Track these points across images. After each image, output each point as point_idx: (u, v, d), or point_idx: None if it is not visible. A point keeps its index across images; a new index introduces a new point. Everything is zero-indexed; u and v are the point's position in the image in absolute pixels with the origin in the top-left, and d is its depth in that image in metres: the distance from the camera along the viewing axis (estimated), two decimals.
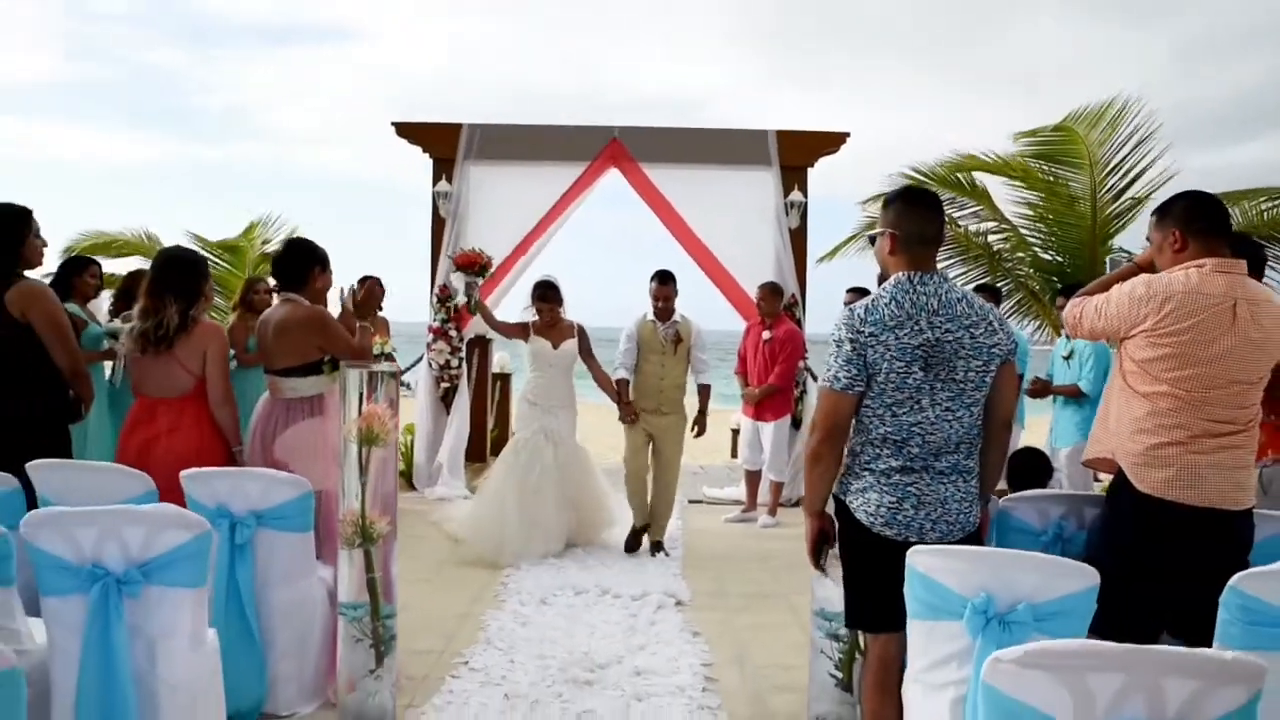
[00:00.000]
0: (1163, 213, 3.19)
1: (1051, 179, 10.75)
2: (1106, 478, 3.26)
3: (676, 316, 6.59)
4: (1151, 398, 3.00)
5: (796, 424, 8.13)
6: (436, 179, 8.87)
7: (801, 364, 8.02)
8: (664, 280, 6.57)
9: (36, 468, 3.61)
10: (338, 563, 3.74)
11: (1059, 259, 10.94)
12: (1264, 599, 2.45)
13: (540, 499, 6.31)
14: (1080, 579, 2.44)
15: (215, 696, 3.08)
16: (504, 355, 10.89)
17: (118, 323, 5.96)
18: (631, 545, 6.65)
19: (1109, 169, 10.49)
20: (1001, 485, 3.65)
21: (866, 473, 2.95)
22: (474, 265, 7.51)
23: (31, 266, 4.34)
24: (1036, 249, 11.08)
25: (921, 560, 2.59)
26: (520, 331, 6.54)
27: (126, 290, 6.33)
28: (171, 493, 3.51)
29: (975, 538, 2.96)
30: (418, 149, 9.01)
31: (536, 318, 6.49)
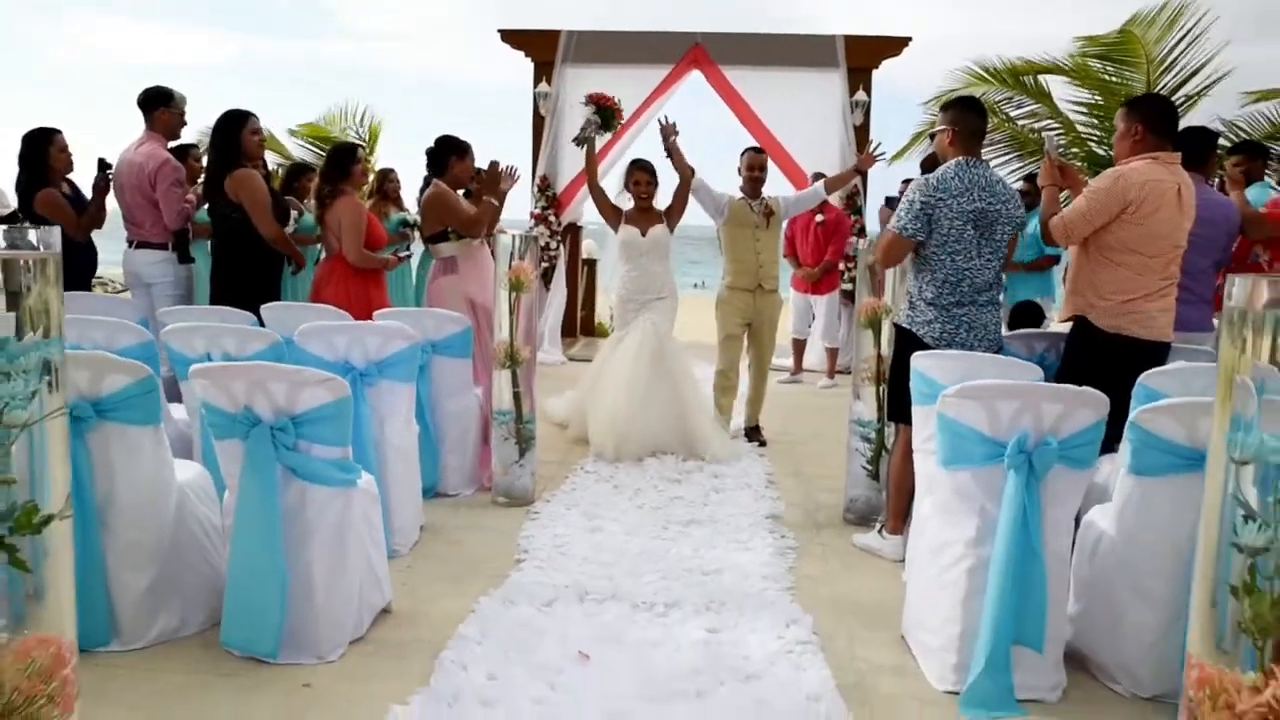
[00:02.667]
0: (1133, 108, 4.16)
1: (1108, 78, 11.40)
2: None
3: (765, 194, 6.38)
4: (1122, 265, 4.02)
5: (848, 297, 9.18)
6: (537, 81, 9.94)
7: (852, 242, 9.00)
8: (757, 153, 6.53)
9: (269, 308, 4.86)
10: (491, 381, 4.99)
11: (1111, 153, 11.64)
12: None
13: (640, 394, 5.85)
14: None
15: (415, 464, 4.34)
16: (590, 243, 12.03)
17: None
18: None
19: (1164, 67, 11.09)
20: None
21: (930, 309, 4.16)
22: (606, 104, 6.96)
23: (252, 159, 5.53)
24: (1091, 144, 11.77)
25: (928, 363, 3.70)
26: (612, 213, 6.27)
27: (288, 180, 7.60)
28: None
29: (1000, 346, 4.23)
30: (520, 53, 10.05)
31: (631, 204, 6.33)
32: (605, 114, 6.78)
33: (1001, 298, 4.42)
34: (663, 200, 6.32)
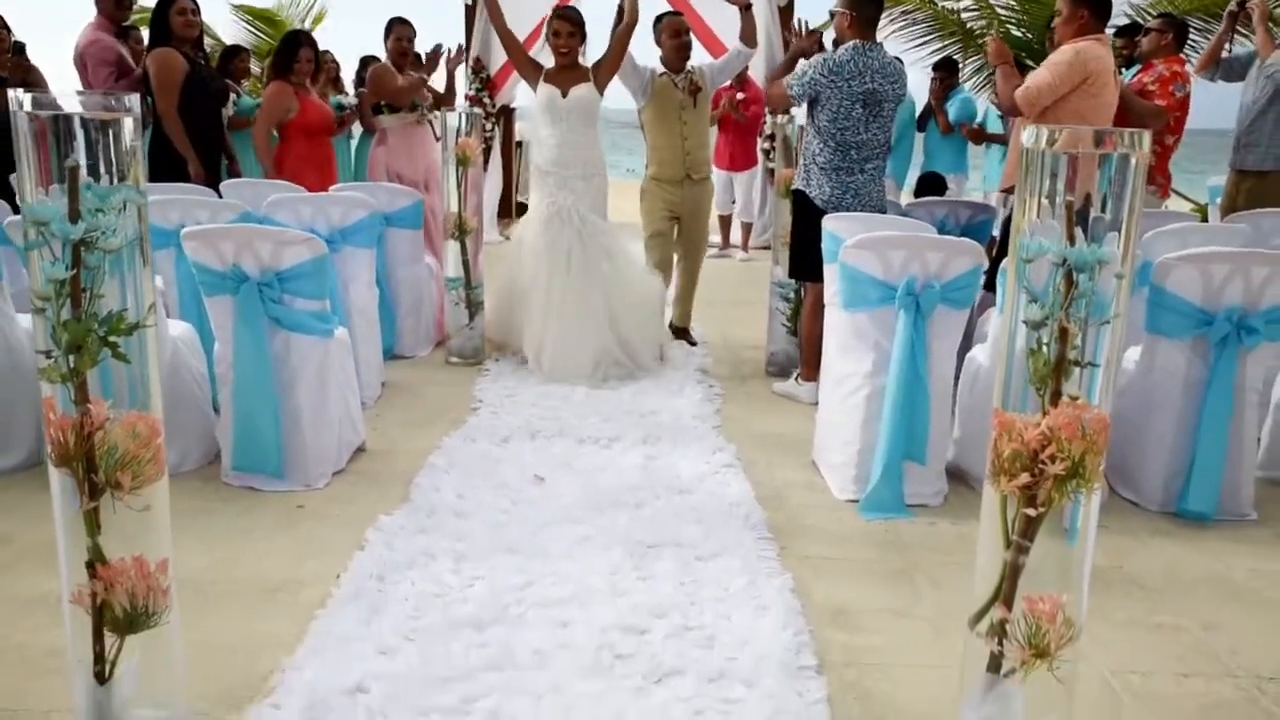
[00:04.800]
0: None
1: None
2: None
3: (690, 65, 5.58)
4: None
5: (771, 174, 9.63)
6: None
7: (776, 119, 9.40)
8: (676, 16, 5.77)
9: (230, 184, 5.16)
10: (441, 250, 5.38)
11: (1028, 35, 12.10)
12: None
13: (565, 312, 5.05)
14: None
15: (376, 325, 4.75)
16: (524, 125, 12.22)
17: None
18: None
19: None
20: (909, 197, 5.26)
21: (822, 174, 4.61)
22: None
23: (182, 40, 5.70)
24: (1010, 26, 12.20)
25: (835, 224, 4.17)
26: (530, 69, 5.28)
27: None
28: None
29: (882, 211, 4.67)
30: None
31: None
32: None
33: (889, 167, 4.92)
34: (593, 57, 5.36)
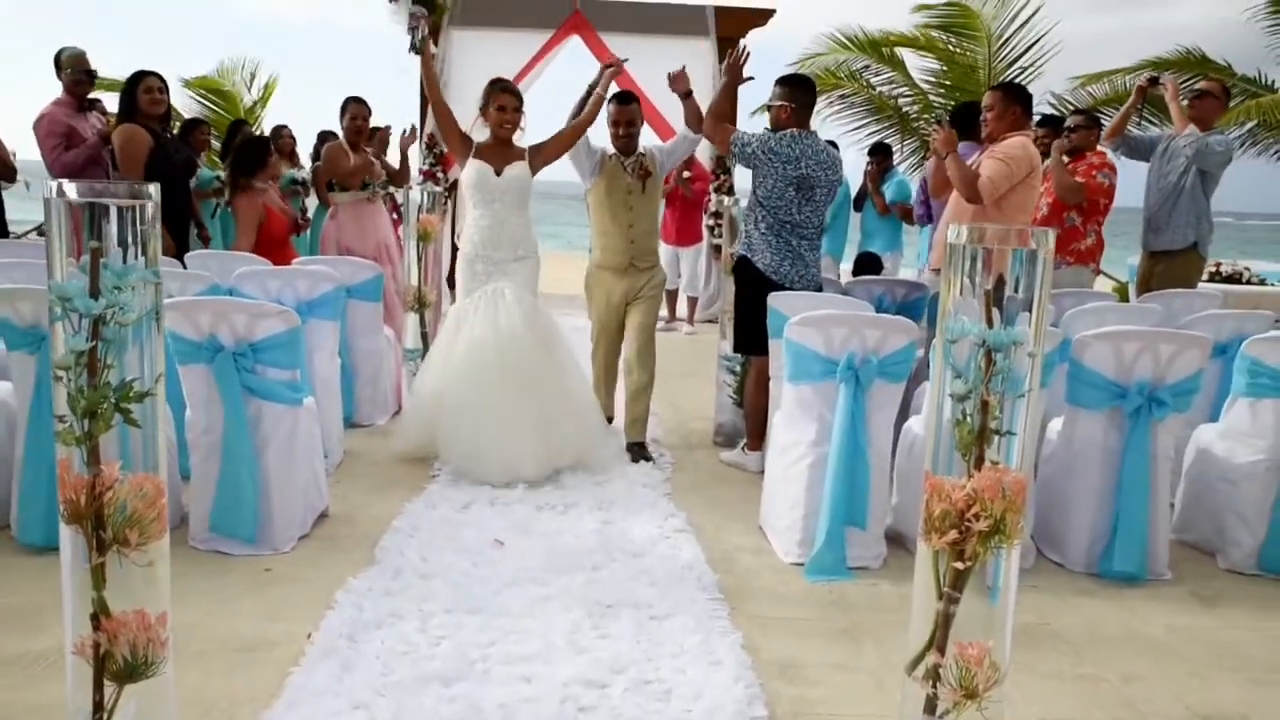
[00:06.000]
0: (1009, 92, 5.09)
1: (952, 49, 12.47)
2: None
3: (641, 148, 5.30)
4: (1013, 221, 4.84)
5: (717, 251, 9.96)
6: None
7: (721, 200, 9.75)
8: (624, 101, 5.30)
9: (194, 256, 5.30)
10: (398, 323, 5.55)
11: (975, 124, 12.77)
12: None
13: (494, 402, 4.62)
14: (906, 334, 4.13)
15: (338, 393, 4.89)
16: None
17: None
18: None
19: (1002, 41, 12.20)
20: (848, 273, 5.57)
21: (762, 238, 4.86)
22: None
23: (149, 116, 5.89)
24: (941, 111, 12.83)
25: (780, 301, 4.44)
26: (459, 142, 4.96)
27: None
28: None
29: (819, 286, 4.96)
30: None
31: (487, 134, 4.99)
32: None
33: (823, 245, 5.22)
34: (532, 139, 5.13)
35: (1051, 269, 1.98)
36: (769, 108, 4.97)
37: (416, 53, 5.17)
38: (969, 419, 1.99)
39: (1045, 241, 1.93)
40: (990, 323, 1.95)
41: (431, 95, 5.20)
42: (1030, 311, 1.96)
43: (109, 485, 1.93)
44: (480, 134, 4.98)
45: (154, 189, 1.94)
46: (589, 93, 5.21)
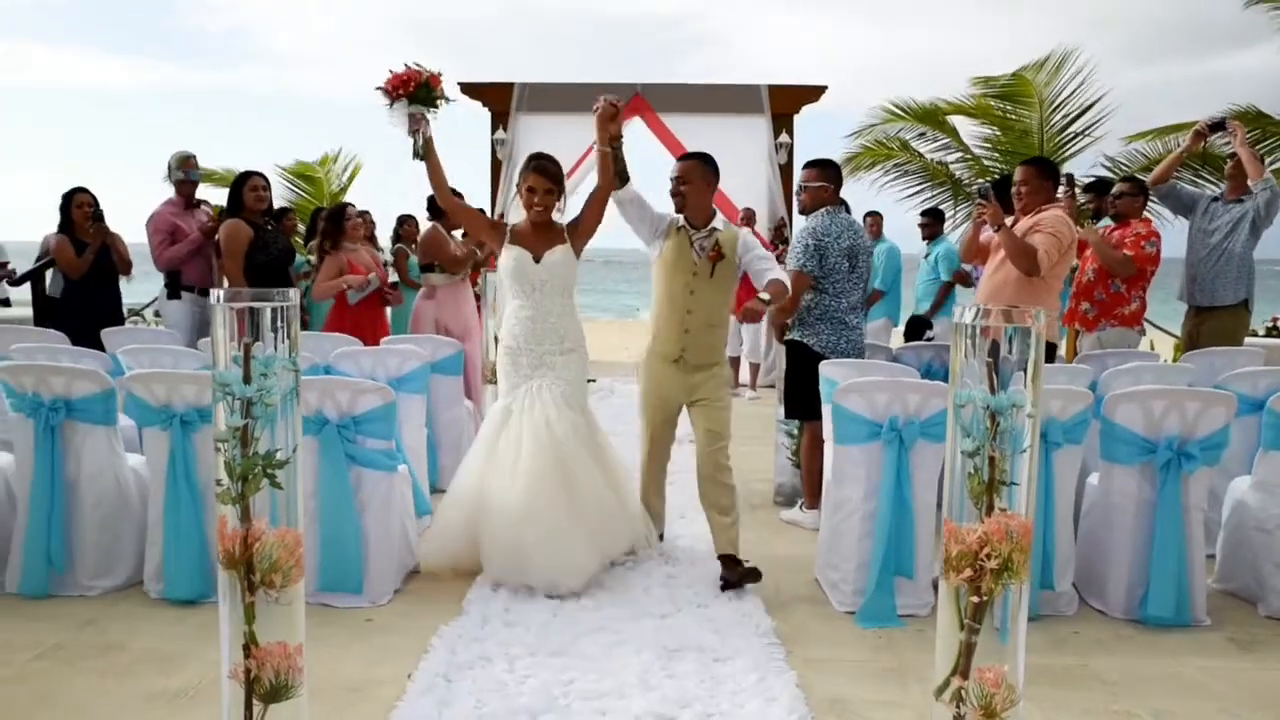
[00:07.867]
0: (1043, 169, 5.42)
1: (1007, 115, 12.79)
2: None
3: (716, 223, 4.54)
4: (1054, 289, 5.20)
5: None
6: (494, 128, 10.97)
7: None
8: (681, 158, 4.68)
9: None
10: (477, 394, 6.00)
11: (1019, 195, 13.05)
12: None
13: (540, 509, 4.19)
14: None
15: (424, 461, 5.33)
16: None
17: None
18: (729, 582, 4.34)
19: (1054, 107, 12.51)
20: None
21: (819, 323, 5.24)
22: (408, 86, 4.48)
23: (251, 211, 6.50)
24: (988, 178, 13.13)
25: (830, 370, 4.78)
26: (491, 232, 4.61)
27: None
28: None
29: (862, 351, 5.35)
30: (477, 103, 11.09)
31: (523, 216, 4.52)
32: (421, 91, 4.46)
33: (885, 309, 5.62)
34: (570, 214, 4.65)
35: (1043, 343, 2.31)
36: (803, 188, 5.36)
37: (420, 158, 4.56)
38: (979, 472, 2.32)
39: (1038, 320, 2.27)
40: (993, 389, 2.29)
41: (442, 199, 4.71)
42: (1024, 370, 2.29)
43: (258, 537, 2.35)
44: (518, 214, 4.59)
45: (293, 293, 2.38)
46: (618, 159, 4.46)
